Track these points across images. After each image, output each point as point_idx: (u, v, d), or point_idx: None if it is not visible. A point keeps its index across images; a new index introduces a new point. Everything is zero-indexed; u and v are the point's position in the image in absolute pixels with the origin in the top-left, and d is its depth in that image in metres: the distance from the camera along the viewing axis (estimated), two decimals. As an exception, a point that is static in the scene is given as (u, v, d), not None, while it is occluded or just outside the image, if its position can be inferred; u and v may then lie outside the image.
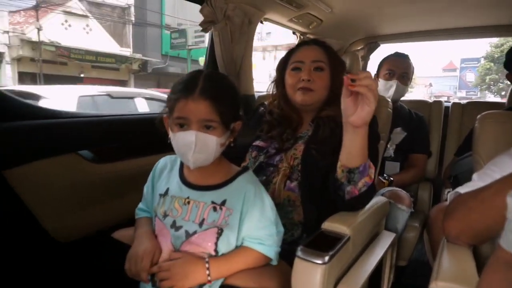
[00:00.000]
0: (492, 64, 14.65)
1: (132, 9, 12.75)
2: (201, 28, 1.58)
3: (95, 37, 12.05)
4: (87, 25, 12.02)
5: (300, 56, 1.18)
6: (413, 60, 2.02)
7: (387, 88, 1.93)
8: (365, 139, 0.93)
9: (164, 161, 1.00)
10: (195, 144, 0.81)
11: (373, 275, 1.00)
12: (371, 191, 0.99)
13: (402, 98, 2.05)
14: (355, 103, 0.89)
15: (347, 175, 0.95)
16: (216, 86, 0.85)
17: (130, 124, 1.41)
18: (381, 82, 1.96)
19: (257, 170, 1.14)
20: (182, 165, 0.96)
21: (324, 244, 0.86)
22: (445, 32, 2.27)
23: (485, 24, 2.09)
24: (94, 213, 1.28)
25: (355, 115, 0.89)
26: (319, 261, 0.80)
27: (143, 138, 1.41)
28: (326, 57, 1.16)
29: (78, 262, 1.13)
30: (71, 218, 1.21)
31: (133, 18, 12.77)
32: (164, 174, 0.97)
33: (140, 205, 1.03)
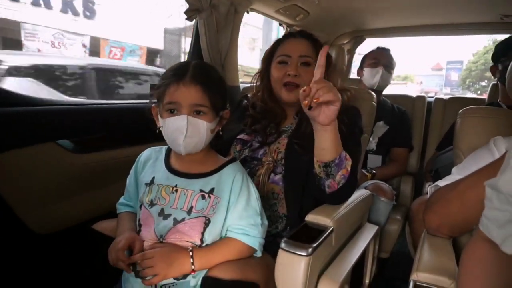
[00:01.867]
0: (471, 70, 17.76)
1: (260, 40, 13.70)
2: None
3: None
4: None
5: (287, 50, 1.16)
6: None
7: (373, 75, 1.97)
8: (335, 133, 0.93)
9: (148, 152, 0.99)
10: (187, 128, 0.82)
11: (356, 267, 1.02)
12: (350, 183, 0.99)
13: (386, 93, 2.08)
14: (318, 109, 0.88)
15: (324, 169, 0.96)
16: (206, 74, 0.87)
17: (112, 114, 1.37)
18: (366, 71, 2.01)
19: (242, 163, 1.13)
20: (167, 155, 0.95)
21: (308, 236, 0.87)
22: (431, 28, 2.30)
23: (471, 21, 2.12)
24: (74, 204, 1.25)
25: (322, 115, 0.88)
26: (303, 253, 0.81)
27: (126, 128, 1.38)
28: (314, 51, 1.15)
29: (58, 254, 1.11)
30: (50, 210, 1.18)
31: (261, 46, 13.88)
32: (149, 165, 0.96)
33: (122, 199, 1.01)
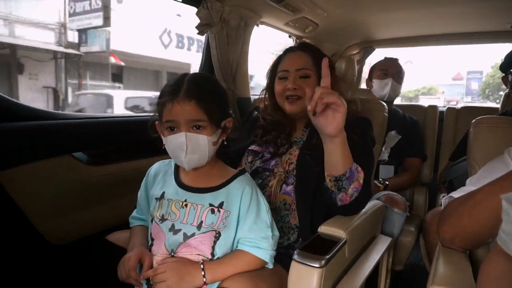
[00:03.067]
0: (489, 83, 18.71)
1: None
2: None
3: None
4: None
5: (286, 65, 1.18)
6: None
7: (382, 87, 1.96)
8: (344, 146, 0.93)
9: (157, 166, 0.99)
10: (186, 145, 0.82)
11: (370, 279, 1.00)
12: (364, 196, 0.98)
13: (398, 102, 2.07)
14: (324, 118, 0.89)
15: (335, 183, 0.96)
16: (201, 87, 0.85)
17: (126, 126, 1.40)
18: (375, 82, 2.00)
19: (253, 174, 1.14)
20: (177, 168, 0.95)
21: (321, 247, 0.86)
22: (440, 37, 2.30)
23: (480, 30, 2.11)
24: (89, 216, 1.27)
25: (329, 126, 0.89)
26: (316, 265, 0.80)
27: (139, 140, 1.40)
28: (312, 62, 1.15)
29: (72, 265, 1.12)
30: (65, 221, 1.20)
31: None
32: (159, 179, 0.96)
33: (134, 212, 1.01)
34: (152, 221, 0.91)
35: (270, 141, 1.18)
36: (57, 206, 1.17)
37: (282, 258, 0.95)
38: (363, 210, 1.06)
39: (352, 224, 0.98)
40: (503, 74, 1.66)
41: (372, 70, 2.08)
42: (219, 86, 0.93)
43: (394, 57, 2.08)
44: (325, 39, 2.20)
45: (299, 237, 1.07)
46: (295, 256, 0.83)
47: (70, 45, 8.82)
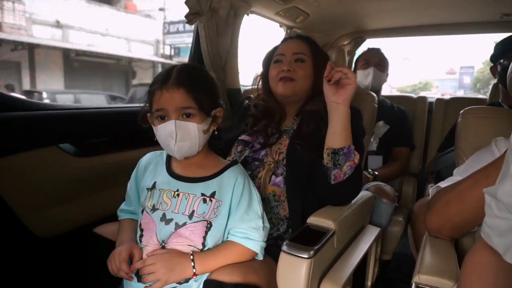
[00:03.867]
0: (481, 77, 20.30)
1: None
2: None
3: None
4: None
5: (282, 50, 1.21)
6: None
7: (365, 76, 2.01)
8: (347, 119, 1.00)
9: (148, 157, 0.99)
10: (176, 133, 0.82)
11: (358, 269, 1.02)
12: (357, 177, 1.00)
13: (387, 94, 2.08)
14: (335, 87, 1.00)
15: (332, 156, 0.99)
16: (190, 75, 0.86)
17: (114, 117, 1.38)
18: (359, 73, 2.04)
19: (243, 164, 1.13)
20: (168, 159, 0.95)
21: (310, 238, 0.87)
22: (431, 28, 2.30)
23: (471, 20, 2.12)
24: (76, 208, 1.26)
25: (338, 94, 1.00)
26: (305, 255, 0.81)
27: (128, 132, 1.38)
28: (309, 49, 1.19)
29: (60, 258, 1.11)
30: (52, 213, 1.18)
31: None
32: (150, 169, 0.95)
33: (123, 205, 1.00)
34: (143, 211, 0.90)
35: (260, 131, 1.18)
36: (43, 199, 1.15)
37: (271, 249, 0.95)
38: (352, 201, 1.07)
39: (341, 215, 0.98)
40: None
41: (356, 62, 2.13)
42: (209, 75, 0.94)
43: (377, 47, 2.14)
44: (316, 29, 2.18)
45: (289, 228, 1.08)
46: (284, 247, 0.83)
47: (164, 56, 13.66)
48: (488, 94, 2.05)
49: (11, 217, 1.08)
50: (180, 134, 0.83)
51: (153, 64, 13.16)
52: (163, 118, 0.84)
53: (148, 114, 0.89)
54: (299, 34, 1.31)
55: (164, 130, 0.83)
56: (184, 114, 0.83)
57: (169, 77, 0.84)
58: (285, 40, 1.28)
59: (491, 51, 1.69)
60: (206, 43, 1.58)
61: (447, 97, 2.33)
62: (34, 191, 1.12)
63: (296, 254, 0.81)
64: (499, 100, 1.70)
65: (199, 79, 0.88)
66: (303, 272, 0.80)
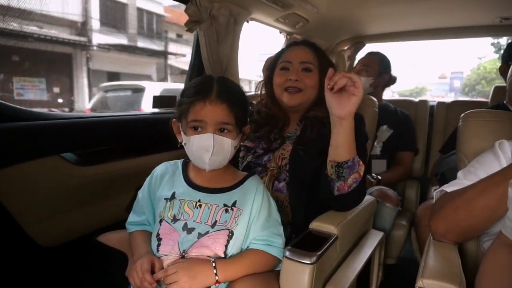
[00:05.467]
0: (468, 83, 22.50)
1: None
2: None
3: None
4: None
5: (289, 56, 1.19)
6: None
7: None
8: (351, 132, 0.95)
9: (163, 167, 0.98)
10: (213, 147, 0.83)
11: (362, 273, 1.01)
12: (361, 188, 0.99)
13: (388, 98, 2.08)
14: (339, 98, 0.93)
15: (336, 169, 0.96)
16: (230, 90, 0.87)
17: (115, 125, 1.38)
18: None
19: (245, 170, 1.13)
20: (185, 169, 0.95)
21: (312, 244, 0.87)
22: (431, 32, 2.31)
23: (470, 24, 2.12)
24: (78, 217, 1.26)
25: (342, 106, 0.93)
26: (307, 261, 0.80)
27: (129, 140, 1.38)
28: (316, 58, 1.17)
29: (63, 267, 1.11)
30: (55, 222, 1.19)
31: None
32: (166, 179, 0.95)
33: (131, 217, 0.98)
34: (161, 221, 0.89)
35: (262, 137, 1.18)
36: (46, 208, 1.15)
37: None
38: (355, 206, 1.07)
39: (343, 220, 0.98)
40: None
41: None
42: (243, 91, 0.95)
43: (369, 51, 2.14)
44: (315, 35, 2.19)
45: (292, 233, 1.07)
46: (287, 253, 0.83)
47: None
48: (491, 97, 2.05)
49: (14, 226, 1.08)
50: (216, 148, 0.83)
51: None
52: (196, 129, 0.84)
53: (174, 120, 0.90)
54: (305, 40, 1.27)
55: (199, 142, 0.84)
56: (220, 129, 0.84)
57: (211, 89, 0.84)
58: (291, 45, 1.25)
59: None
60: (206, 50, 1.59)
61: (448, 100, 2.32)
62: (36, 200, 1.12)
63: (299, 260, 0.81)
64: (504, 102, 1.70)
65: (238, 94, 0.90)
66: (306, 278, 0.80)
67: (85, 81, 9.58)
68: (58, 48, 9.09)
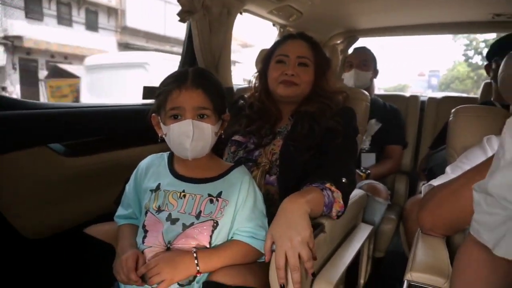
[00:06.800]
0: (444, 81, 24.62)
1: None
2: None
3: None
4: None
5: (286, 50, 1.18)
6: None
7: (348, 79, 2.06)
8: (306, 204, 0.85)
9: (149, 159, 0.99)
10: (193, 132, 0.83)
11: (351, 266, 1.02)
12: (349, 193, 0.99)
13: (380, 93, 2.10)
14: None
15: (321, 216, 0.95)
16: (206, 77, 0.90)
17: (104, 116, 1.36)
18: (345, 76, 2.09)
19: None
20: (170, 160, 0.95)
21: None
22: (423, 27, 2.31)
23: (463, 20, 2.14)
24: (66, 209, 1.24)
25: None
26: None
27: (118, 131, 1.36)
28: (312, 53, 1.17)
29: (50, 259, 1.09)
30: (42, 214, 1.16)
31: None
32: (151, 172, 0.95)
33: (119, 211, 0.98)
34: (146, 213, 0.89)
35: (253, 132, 1.17)
36: (32, 200, 1.13)
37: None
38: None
39: (333, 213, 0.98)
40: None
41: (343, 65, 2.18)
42: (219, 81, 0.96)
43: (362, 46, 2.17)
44: (309, 28, 2.18)
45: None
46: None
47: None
48: (481, 93, 2.07)
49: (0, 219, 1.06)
50: (196, 133, 0.84)
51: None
52: (176, 118, 0.85)
53: (154, 114, 0.90)
54: (302, 33, 1.26)
55: (179, 129, 0.84)
56: (199, 115, 0.85)
57: (187, 77, 0.86)
58: (287, 38, 1.23)
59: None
60: (199, 41, 1.57)
61: (439, 95, 2.34)
62: (22, 192, 1.10)
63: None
64: (492, 99, 1.72)
65: (214, 82, 0.91)
66: (296, 271, 0.79)
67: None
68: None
